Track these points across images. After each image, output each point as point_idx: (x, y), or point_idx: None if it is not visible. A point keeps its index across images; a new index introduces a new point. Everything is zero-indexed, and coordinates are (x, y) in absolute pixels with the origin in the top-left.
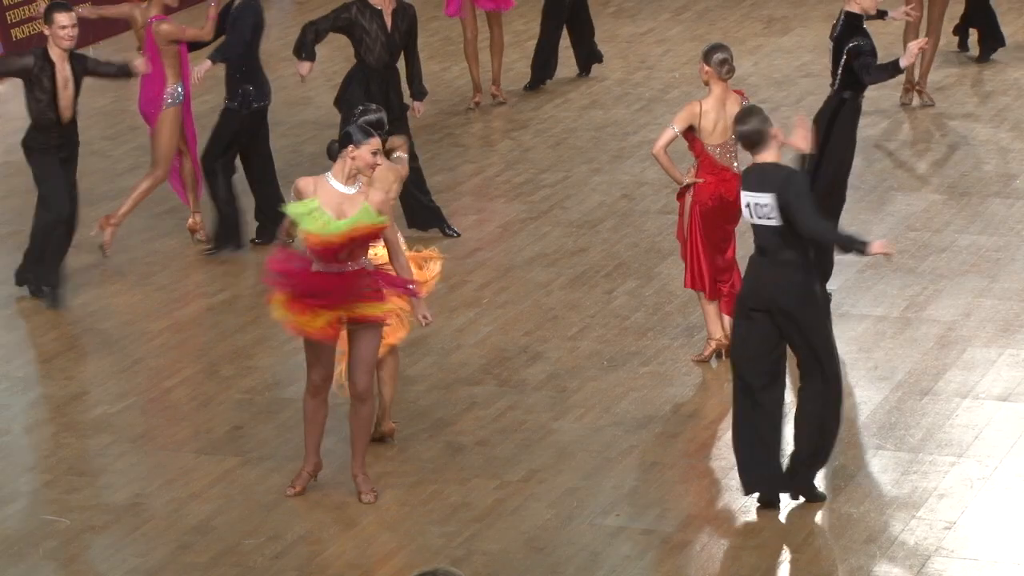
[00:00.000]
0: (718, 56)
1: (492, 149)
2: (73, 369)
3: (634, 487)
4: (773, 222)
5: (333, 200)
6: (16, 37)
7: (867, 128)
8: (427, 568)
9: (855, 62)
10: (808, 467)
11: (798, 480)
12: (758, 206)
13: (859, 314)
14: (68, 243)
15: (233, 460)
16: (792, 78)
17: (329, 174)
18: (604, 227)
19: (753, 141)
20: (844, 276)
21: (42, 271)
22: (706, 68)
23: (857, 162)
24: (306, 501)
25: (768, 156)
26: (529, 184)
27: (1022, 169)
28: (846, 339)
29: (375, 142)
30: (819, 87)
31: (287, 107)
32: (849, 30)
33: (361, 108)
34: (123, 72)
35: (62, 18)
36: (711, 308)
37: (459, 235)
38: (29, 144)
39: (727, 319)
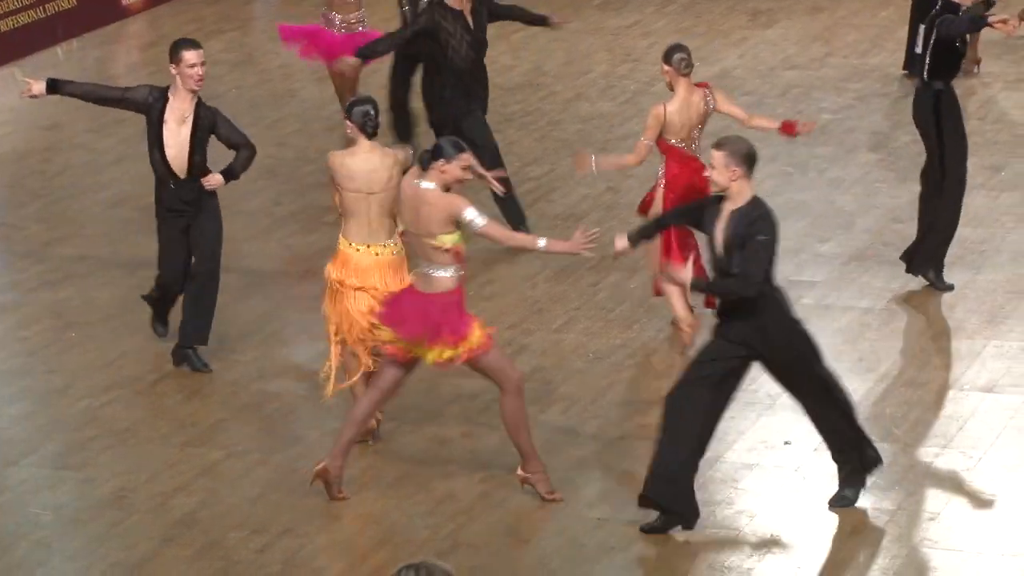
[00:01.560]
0: (677, 56)
1: None
2: (57, 362)
3: (620, 479)
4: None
5: None
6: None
7: (848, 125)
8: (412, 561)
9: (939, 28)
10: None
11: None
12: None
13: (844, 306)
14: (199, 301)
15: (218, 453)
16: (777, 71)
17: (423, 182)
18: (589, 220)
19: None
20: (828, 268)
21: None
22: (667, 68)
23: (840, 154)
24: (291, 494)
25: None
26: (514, 177)
27: (1007, 161)
28: (831, 331)
29: (466, 158)
30: (804, 79)
31: (273, 99)
32: (944, 12)
33: (353, 99)
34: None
35: (190, 56)
36: (676, 290)
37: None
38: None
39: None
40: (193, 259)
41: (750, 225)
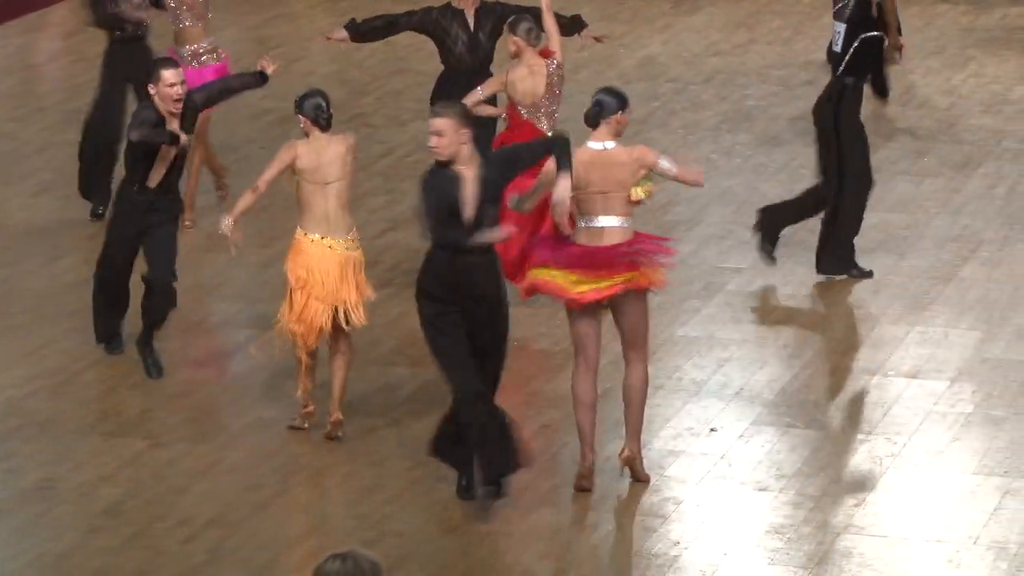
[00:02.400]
0: (524, 25)
1: (403, 129)
2: None
3: (545, 468)
4: None
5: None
6: None
7: (773, 111)
8: (339, 550)
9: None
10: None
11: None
12: None
13: (769, 292)
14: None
15: (142, 443)
16: (701, 57)
17: (603, 143)
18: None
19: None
20: (753, 255)
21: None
22: (514, 39)
23: (765, 141)
24: (216, 483)
25: None
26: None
27: (929, 147)
28: (756, 318)
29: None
30: (728, 66)
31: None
32: (863, 14)
33: (304, 92)
34: (258, 80)
35: (169, 75)
36: None
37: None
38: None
39: None
40: (150, 270)
41: (501, 175)
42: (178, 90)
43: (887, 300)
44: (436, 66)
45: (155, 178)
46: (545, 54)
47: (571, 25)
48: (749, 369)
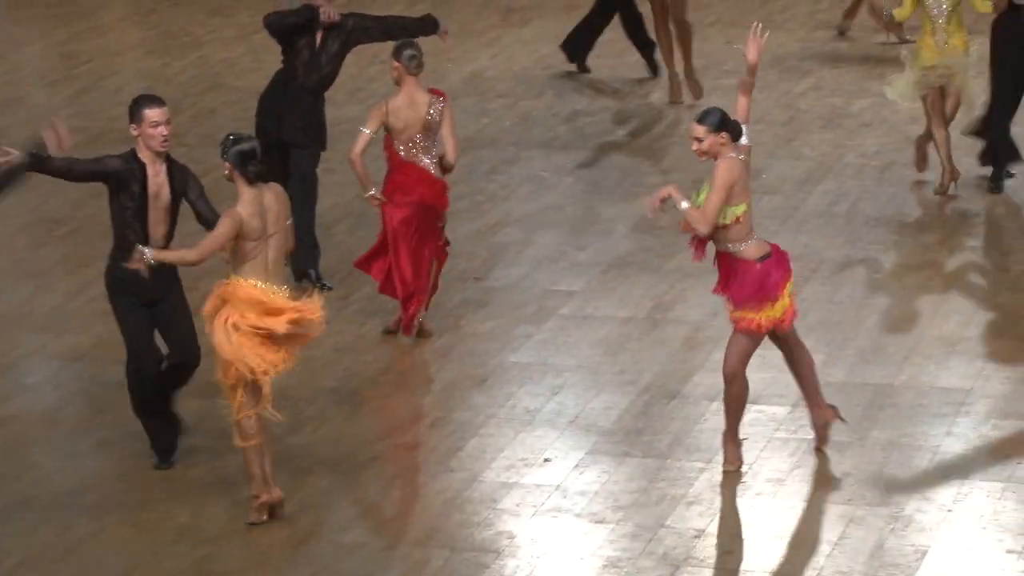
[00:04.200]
0: (407, 53)
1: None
2: None
3: (374, 502)
4: None
5: None
6: None
7: (605, 127)
8: None
9: None
10: None
11: None
12: None
13: (604, 316)
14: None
15: None
16: (531, 71)
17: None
18: (339, 229)
19: None
20: (587, 277)
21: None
22: (396, 65)
23: (598, 157)
24: (26, 524)
25: None
26: None
27: (768, 164)
28: (590, 342)
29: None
30: (559, 80)
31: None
32: None
33: (233, 137)
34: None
35: (154, 114)
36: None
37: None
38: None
39: None
40: (170, 351)
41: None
42: (163, 130)
43: (726, 323)
44: (252, 82)
45: (157, 233)
46: (435, 91)
47: (422, 26)
48: (584, 396)
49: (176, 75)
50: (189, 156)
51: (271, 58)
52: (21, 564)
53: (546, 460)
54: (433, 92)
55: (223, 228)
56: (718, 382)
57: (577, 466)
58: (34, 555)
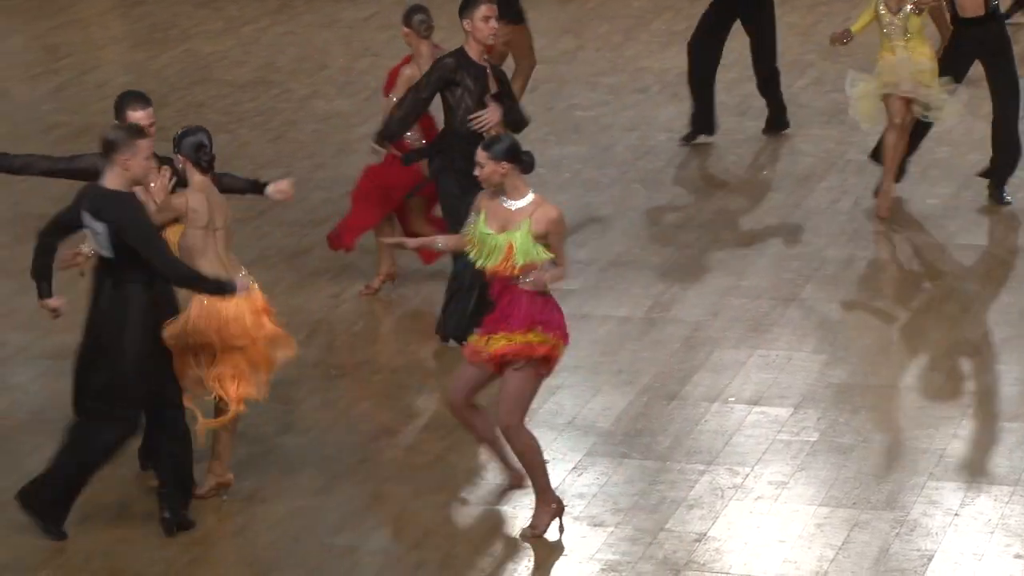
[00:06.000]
0: (417, 18)
1: None
2: None
3: (366, 504)
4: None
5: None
6: None
7: (606, 116)
8: None
9: None
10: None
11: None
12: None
13: (602, 315)
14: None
15: None
16: None
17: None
18: (328, 226)
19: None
20: (585, 276)
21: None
22: (406, 31)
23: (594, 153)
24: (9, 526)
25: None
26: None
27: (768, 161)
28: (587, 342)
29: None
30: (555, 74)
31: (40, 105)
32: None
33: (183, 131)
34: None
35: (139, 115)
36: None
37: None
38: None
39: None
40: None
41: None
42: (149, 133)
43: (726, 323)
44: (241, 75)
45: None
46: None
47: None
48: (582, 397)
49: (162, 68)
50: None
51: (260, 49)
52: (6, 566)
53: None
54: (437, 47)
55: (168, 201)
56: (719, 382)
57: (575, 468)
58: (20, 556)
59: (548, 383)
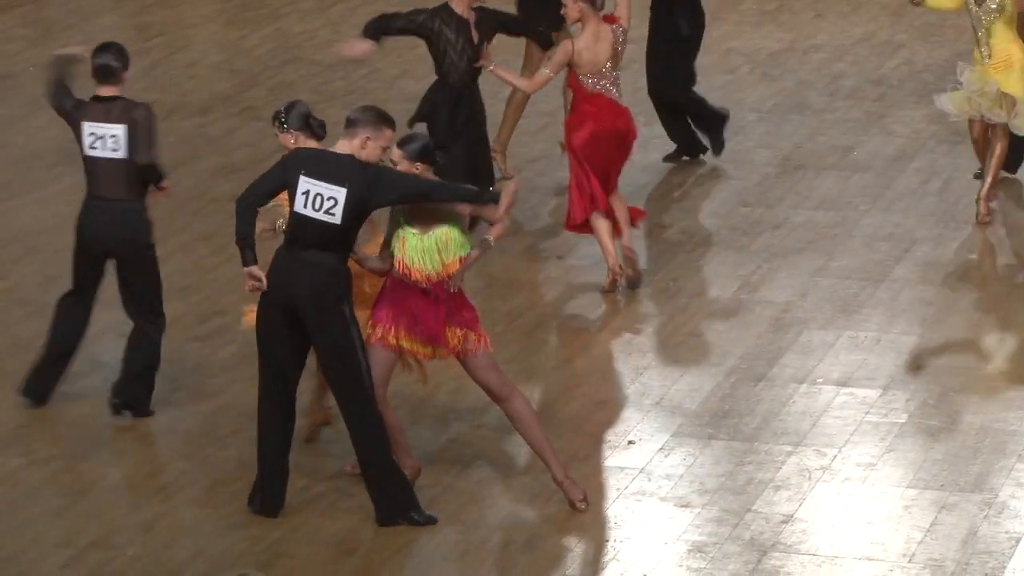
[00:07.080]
0: None
1: None
2: None
3: (449, 484)
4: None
5: None
6: None
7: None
8: (230, 574)
9: None
10: None
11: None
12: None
13: (689, 295)
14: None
15: (17, 461)
16: None
17: None
18: None
19: None
20: (671, 255)
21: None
22: (579, 4)
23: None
24: (98, 504)
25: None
26: None
27: (859, 140)
28: (674, 322)
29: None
30: None
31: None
32: None
33: (285, 106)
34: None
35: None
36: (604, 234)
37: None
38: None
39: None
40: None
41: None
42: None
43: (815, 303)
44: (330, 54)
45: None
46: (610, 20)
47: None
48: (669, 378)
49: (254, 47)
50: (266, 131)
51: (348, 30)
52: (93, 544)
53: (630, 442)
54: (609, 20)
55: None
56: (807, 364)
57: (662, 448)
58: (107, 533)
59: (635, 363)
